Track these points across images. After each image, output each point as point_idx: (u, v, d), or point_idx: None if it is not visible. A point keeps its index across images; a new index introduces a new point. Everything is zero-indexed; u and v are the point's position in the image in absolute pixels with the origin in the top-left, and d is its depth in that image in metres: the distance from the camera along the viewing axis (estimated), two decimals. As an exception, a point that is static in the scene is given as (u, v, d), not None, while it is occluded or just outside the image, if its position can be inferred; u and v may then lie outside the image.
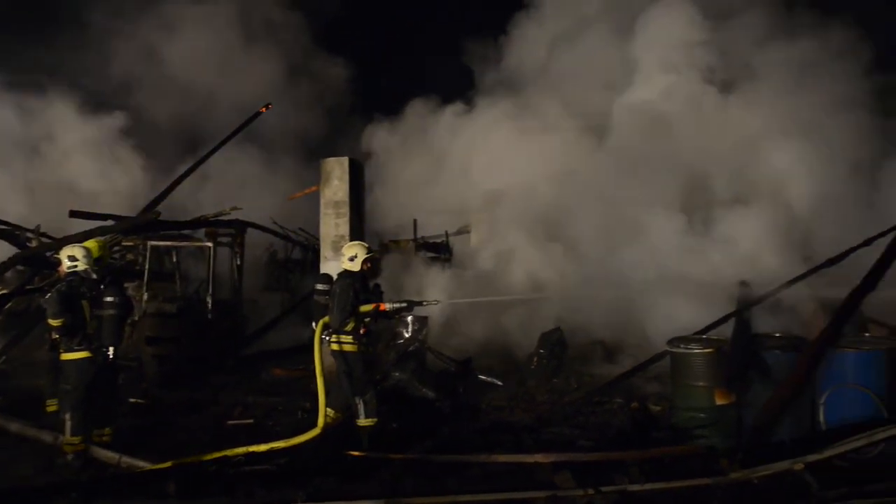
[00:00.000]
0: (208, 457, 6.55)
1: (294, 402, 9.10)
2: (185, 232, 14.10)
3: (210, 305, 12.32)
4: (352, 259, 7.39)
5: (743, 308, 8.30)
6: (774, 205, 11.86)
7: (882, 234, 8.29)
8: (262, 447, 6.71)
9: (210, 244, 13.00)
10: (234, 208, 14.78)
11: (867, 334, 8.46)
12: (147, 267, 12.70)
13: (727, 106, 13.14)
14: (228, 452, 6.62)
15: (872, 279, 7.64)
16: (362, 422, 7.13)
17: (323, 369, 7.02)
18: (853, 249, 8.64)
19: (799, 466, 5.71)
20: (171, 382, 10.24)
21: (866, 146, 12.19)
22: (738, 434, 6.92)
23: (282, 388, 10.30)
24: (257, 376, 11.17)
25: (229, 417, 8.64)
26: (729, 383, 7.04)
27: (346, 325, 7.16)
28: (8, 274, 12.21)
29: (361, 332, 7.28)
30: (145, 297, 11.97)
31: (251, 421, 8.47)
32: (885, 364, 7.02)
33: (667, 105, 13.00)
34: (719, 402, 6.97)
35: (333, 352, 7.22)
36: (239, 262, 13.41)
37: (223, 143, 17.54)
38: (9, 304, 11.65)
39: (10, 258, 11.03)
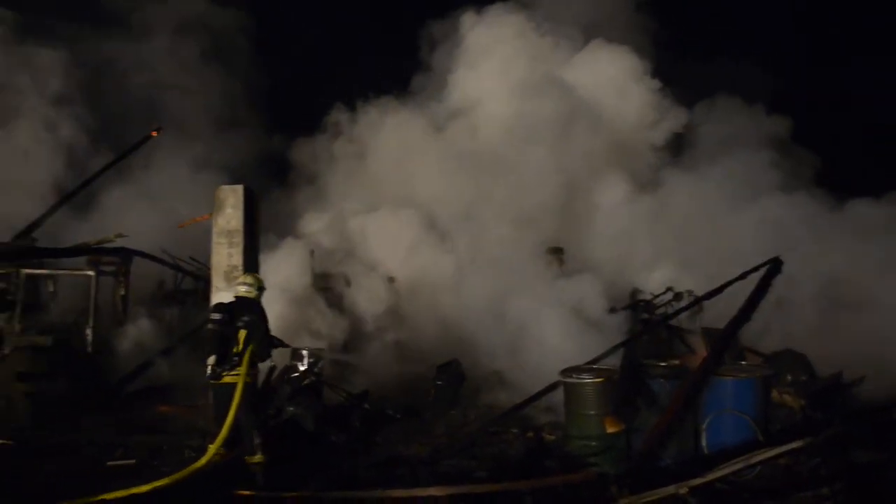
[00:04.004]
0: (80, 501, 6.10)
1: (181, 441, 8.65)
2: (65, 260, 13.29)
3: (90, 338, 11.59)
4: (261, 289, 7.39)
5: (630, 338, 8.65)
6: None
7: (755, 269, 8.90)
8: (145, 488, 6.34)
9: (92, 273, 12.34)
10: (119, 235, 14.08)
11: (743, 362, 8.99)
12: (21, 297, 11.82)
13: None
14: (107, 496, 6.21)
15: (747, 311, 8.19)
16: (255, 458, 6.86)
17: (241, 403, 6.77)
18: (730, 283, 9.19)
19: (683, 490, 5.94)
20: (45, 422, 9.47)
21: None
22: (628, 460, 7.15)
23: (168, 425, 9.76)
24: (141, 414, 10.53)
25: (109, 458, 8.09)
26: (618, 411, 7.29)
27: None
28: None
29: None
30: (17, 328, 11.12)
31: (134, 461, 7.96)
32: (759, 390, 7.52)
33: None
34: (609, 429, 7.22)
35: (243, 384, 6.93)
36: (123, 293, 12.74)
37: (109, 166, 16.77)
38: None
39: None
